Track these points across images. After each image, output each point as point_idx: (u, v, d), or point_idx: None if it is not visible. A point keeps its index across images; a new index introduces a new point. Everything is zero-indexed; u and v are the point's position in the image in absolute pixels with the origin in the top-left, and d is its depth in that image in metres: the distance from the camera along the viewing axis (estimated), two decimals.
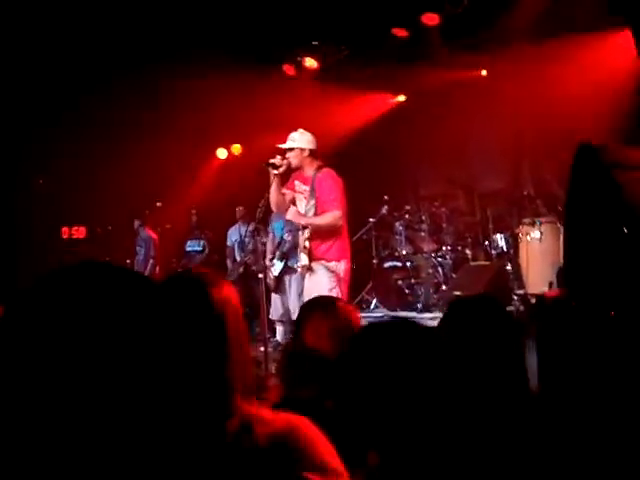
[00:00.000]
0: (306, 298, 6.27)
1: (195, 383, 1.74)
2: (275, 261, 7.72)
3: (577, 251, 3.82)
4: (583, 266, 3.75)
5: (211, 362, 1.82)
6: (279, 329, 7.82)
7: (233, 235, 11.38)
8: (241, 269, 10.75)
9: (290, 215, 6.89)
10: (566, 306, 3.32)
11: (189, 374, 1.71)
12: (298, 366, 2.92)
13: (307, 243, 6.78)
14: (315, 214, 6.79)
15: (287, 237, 7.70)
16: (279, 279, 7.64)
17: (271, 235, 8.68)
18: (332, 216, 6.67)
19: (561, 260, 8.06)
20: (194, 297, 1.90)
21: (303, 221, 6.80)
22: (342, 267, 6.69)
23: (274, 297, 7.79)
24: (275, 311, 7.81)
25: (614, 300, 3.43)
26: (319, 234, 6.74)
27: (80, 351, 1.12)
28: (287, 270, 7.58)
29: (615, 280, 3.59)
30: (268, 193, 6.94)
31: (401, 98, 12.30)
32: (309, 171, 6.88)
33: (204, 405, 1.77)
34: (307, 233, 6.79)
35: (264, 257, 7.83)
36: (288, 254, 7.68)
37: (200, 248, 11.87)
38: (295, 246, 7.28)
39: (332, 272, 6.67)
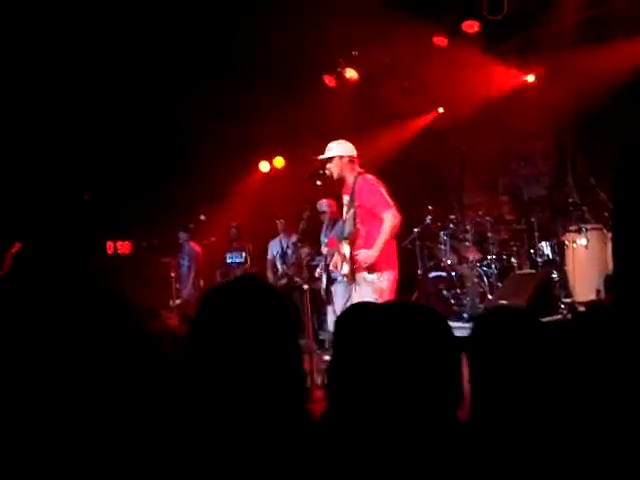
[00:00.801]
0: None
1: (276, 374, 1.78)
2: (322, 274, 7.72)
3: (627, 256, 3.72)
4: (634, 272, 3.65)
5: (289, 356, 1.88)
6: None
7: (274, 247, 11.38)
8: (284, 281, 10.74)
9: (362, 257, 6.66)
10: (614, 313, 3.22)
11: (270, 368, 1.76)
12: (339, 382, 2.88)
13: (347, 253, 6.73)
14: (354, 222, 6.73)
15: (325, 250, 7.71)
16: (328, 291, 7.64)
17: (323, 249, 8.71)
18: (388, 220, 6.56)
19: (609, 267, 7.95)
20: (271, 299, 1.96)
21: (375, 253, 6.59)
22: (386, 278, 6.58)
23: (328, 309, 7.82)
24: (330, 322, 7.82)
25: None
26: (360, 246, 6.68)
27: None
28: (331, 281, 7.58)
29: None
30: (310, 205, 6.92)
31: (441, 110, 12.21)
32: (350, 179, 6.82)
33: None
34: (346, 243, 6.74)
35: (308, 268, 7.83)
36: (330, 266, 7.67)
37: (241, 260, 11.87)
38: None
39: (374, 284, 6.59)
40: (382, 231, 6.58)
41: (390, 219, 6.55)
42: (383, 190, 6.70)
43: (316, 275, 8.13)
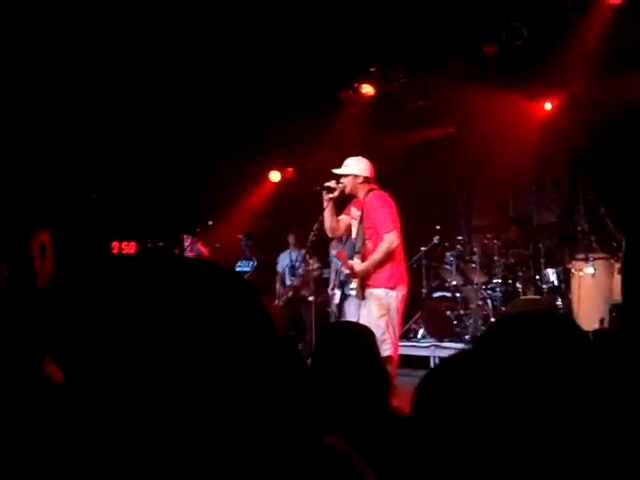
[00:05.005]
0: None
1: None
2: (336, 290, 7.72)
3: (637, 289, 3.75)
4: None
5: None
6: None
7: (284, 260, 11.39)
8: (290, 293, 10.75)
9: (358, 269, 6.69)
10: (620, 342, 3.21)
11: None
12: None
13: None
14: (364, 238, 6.72)
15: (342, 267, 7.72)
16: (340, 307, 7.64)
17: (332, 264, 8.70)
18: (386, 242, 6.55)
19: (614, 297, 7.96)
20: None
21: (364, 268, 6.64)
22: (394, 295, 6.58)
23: None
24: None
25: None
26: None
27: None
28: (344, 297, 7.58)
29: None
30: (322, 218, 6.91)
31: (452, 129, 12.22)
32: (361, 195, 6.81)
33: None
34: (356, 259, 6.74)
35: (316, 281, 7.83)
36: (344, 282, 7.68)
37: (249, 269, 11.87)
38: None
39: (382, 300, 6.58)
40: (377, 250, 6.59)
41: (388, 241, 6.55)
42: (390, 210, 6.67)
43: (329, 291, 8.11)
